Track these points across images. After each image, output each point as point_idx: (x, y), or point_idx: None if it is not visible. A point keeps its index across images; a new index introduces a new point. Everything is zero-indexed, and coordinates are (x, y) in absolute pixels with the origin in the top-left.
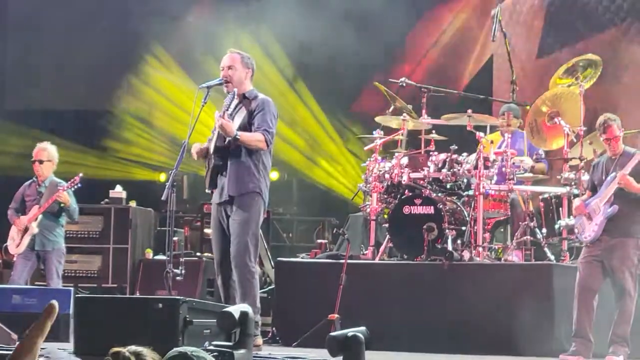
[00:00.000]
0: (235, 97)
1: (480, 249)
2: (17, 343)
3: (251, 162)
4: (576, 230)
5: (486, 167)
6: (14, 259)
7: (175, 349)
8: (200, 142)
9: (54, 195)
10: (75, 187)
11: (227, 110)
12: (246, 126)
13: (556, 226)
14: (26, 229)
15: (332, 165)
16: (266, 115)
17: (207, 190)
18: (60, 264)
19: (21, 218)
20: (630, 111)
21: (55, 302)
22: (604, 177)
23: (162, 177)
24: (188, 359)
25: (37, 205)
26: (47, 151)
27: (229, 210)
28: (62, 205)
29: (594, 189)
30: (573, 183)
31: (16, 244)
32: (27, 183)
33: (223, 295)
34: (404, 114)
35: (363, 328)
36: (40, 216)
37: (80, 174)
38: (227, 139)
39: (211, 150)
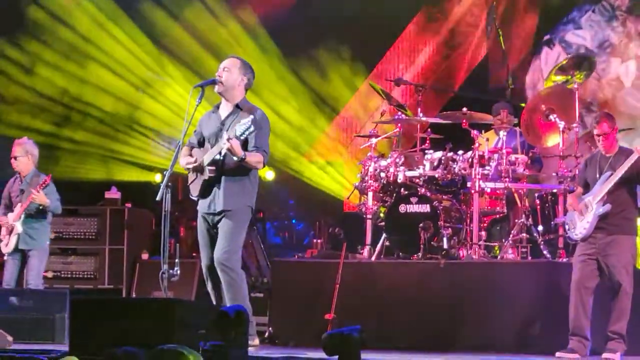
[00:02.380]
0: (226, 99)
1: (477, 247)
2: None
3: (245, 175)
4: (567, 227)
5: (482, 165)
6: (5, 259)
7: (159, 347)
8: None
9: (29, 198)
10: (45, 187)
11: (242, 135)
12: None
13: (552, 223)
14: (11, 229)
15: (327, 164)
16: (264, 135)
17: (194, 198)
18: (41, 263)
19: (9, 216)
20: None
21: None
22: (597, 175)
23: (157, 177)
24: (172, 354)
25: (20, 203)
26: (23, 147)
27: (217, 220)
28: (40, 206)
29: (585, 185)
30: (569, 180)
31: (5, 244)
32: (11, 180)
33: (214, 298)
34: (399, 112)
35: (358, 327)
36: (23, 215)
37: (50, 175)
38: (223, 153)
39: (205, 162)
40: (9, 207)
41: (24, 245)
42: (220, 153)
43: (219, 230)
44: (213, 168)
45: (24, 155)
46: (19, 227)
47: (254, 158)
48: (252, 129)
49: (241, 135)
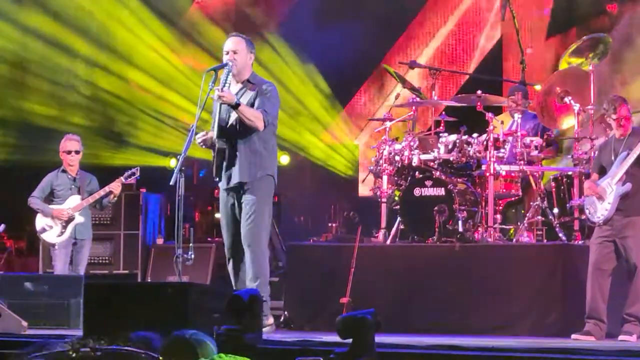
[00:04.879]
0: (236, 81)
1: (492, 230)
2: None
3: (259, 144)
4: (587, 212)
5: (497, 148)
6: (56, 248)
7: (174, 332)
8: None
9: (107, 187)
10: (135, 179)
11: (224, 84)
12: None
13: (568, 206)
14: (69, 219)
15: (341, 148)
16: (269, 100)
17: (215, 179)
18: (89, 250)
19: (62, 207)
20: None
21: None
22: (612, 158)
23: (173, 162)
24: (186, 342)
25: (77, 195)
26: (79, 142)
27: (239, 195)
28: (106, 198)
29: (601, 170)
30: (584, 162)
31: (57, 233)
32: (53, 173)
33: (234, 280)
34: (414, 96)
35: (372, 310)
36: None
37: (138, 167)
38: (230, 121)
39: (215, 135)
40: (48, 200)
41: (80, 235)
42: (225, 122)
43: (243, 206)
44: (224, 139)
45: (81, 150)
46: (80, 218)
47: (250, 111)
48: (233, 70)
49: (225, 81)
